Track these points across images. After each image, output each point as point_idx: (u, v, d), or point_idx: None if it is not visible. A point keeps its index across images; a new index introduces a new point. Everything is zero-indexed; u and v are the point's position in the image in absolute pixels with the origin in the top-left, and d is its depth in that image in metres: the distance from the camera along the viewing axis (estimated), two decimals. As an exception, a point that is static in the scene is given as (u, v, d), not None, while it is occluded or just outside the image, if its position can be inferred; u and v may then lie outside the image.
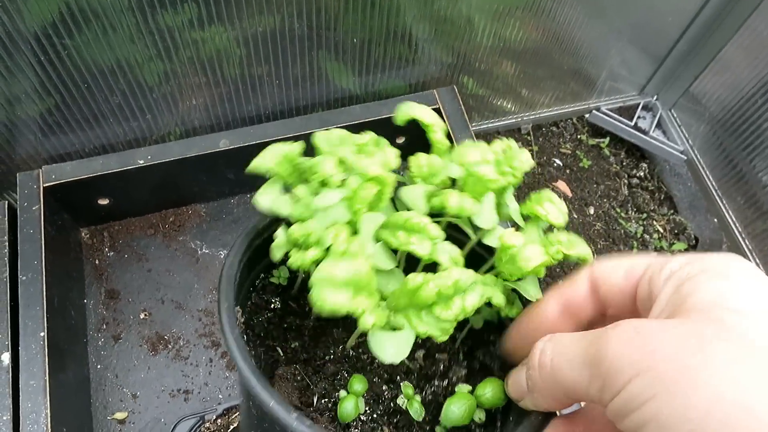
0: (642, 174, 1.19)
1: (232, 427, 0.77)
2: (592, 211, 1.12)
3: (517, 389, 0.39)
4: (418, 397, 0.49)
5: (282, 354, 0.50)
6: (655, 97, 1.23)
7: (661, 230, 1.13)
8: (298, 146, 0.48)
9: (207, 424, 0.77)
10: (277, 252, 0.45)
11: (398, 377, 0.52)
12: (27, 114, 0.87)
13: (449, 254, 0.43)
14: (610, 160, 1.19)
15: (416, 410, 0.47)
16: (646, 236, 1.12)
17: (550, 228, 0.47)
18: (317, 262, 0.41)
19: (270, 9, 0.84)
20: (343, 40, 0.93)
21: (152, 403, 0.89)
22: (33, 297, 0.81)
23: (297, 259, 0.43)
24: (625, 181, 1.18)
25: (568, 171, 1.17)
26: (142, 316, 0.96)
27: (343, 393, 0.47)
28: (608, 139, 1.21)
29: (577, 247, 0.45)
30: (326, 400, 0.47)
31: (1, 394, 0.76)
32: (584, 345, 0.31)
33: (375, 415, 0.48)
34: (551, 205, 0.47)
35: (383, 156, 0.48)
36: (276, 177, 0.48)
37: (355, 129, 0.97)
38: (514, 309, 0.46)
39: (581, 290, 0.38)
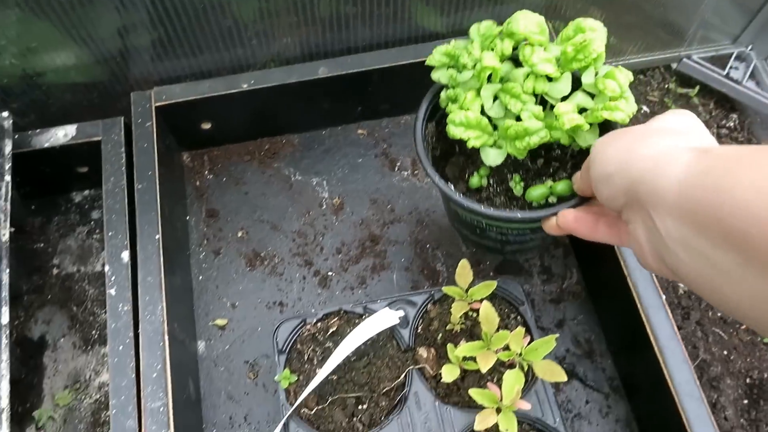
0: (732, 125, 1.17)
1: (331, 330, 0.81)
2: (679, 157, 1.12)
3: (575, 179, 0.65)
4: (522, 183, 0.75)
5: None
6: (749, 47, 1.20)
7: (750, 180, 1.11)
8: (453, 45, 0.73)
9: (308, 326, 0.82)
10: (442, 103, 0.74)
11: (520, 171, 0.77)
12: (140, 42, 0.92)
13: (531, 112, 0.67)
14: (699, 109, 1.18)
15: (518, 189, 0.75)
16: (734, 185, 1.11)
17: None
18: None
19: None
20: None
21: (250, 313, 0.95)
22: (148, 204, 0.87)
23: (449, 108, 0.71)
24: (714, 130, 1.16)
25: (655, 117, 1.16)
26: (239, 234, 1.01)
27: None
28: (697, 89, 1.19)
29: (617, 112, 0.63)
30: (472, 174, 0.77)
31: (122, 287, 0.82)
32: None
33: (497, 189, 0.77)
34: (611, 81, 0.64)
35: (501, 47, 0.69)
36: (440, 65, 0.74)
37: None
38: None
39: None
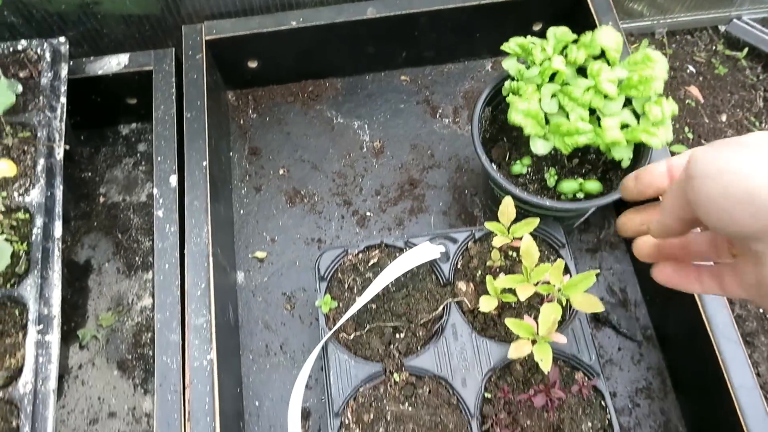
0: (780, 89, 1.15)
1: (372, 261, 0.83)
2: (724, 118, 1.10)
3: (626, 183, 0.58)
4: (556, 177, 0.84)
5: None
6: (802, 11, 1.17)
7: (794, 146, 1.10)
8: (529, 39, 0.79)
9: (349, 257, 0.83)
10: (504, 91, 0.81)
11: (556, 166, 0.85)
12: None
13: (579, 115, 0.75)
14: (747, 72, 1.16)
15: (551, 181, 0.83)
16: (779, 149, 1.09)
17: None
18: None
19: None
20: None
21: (289, 247, 0.97)
22: (196, 132, 0.89)
23: (510, 99, 0.78)
24: (761, 93, 1.14)
25: (701, 78, 1.14)
26: (281, 172, 1.02)
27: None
28: (746, 51, 1.17)
29: (654, 138, 0.72)
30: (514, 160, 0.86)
31: (169, 209, 0.84)
32: None
33: (533, 177, 0.85)
34: (657, 108, 0.73)
35: (572, 54, 0.77)
36: (513, 53, 0.80)
37: (498, 7, 0.98)
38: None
39: (660, 170, 0.54)
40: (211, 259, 0.81)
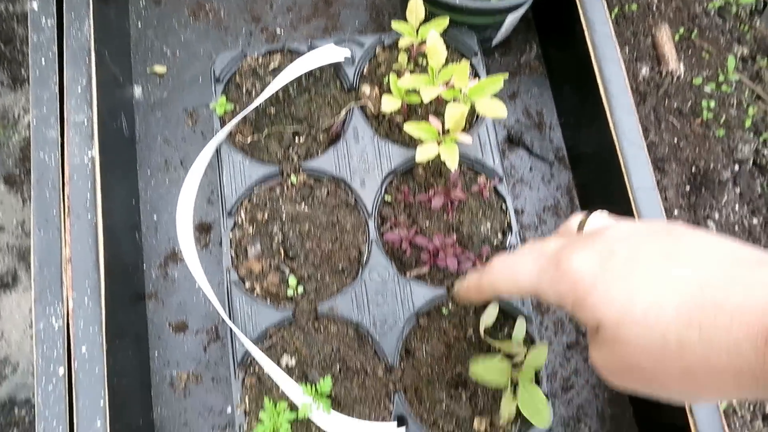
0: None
1: (273, 66, 0.77)
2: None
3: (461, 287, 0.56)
4: None
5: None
6: None
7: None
8: None
9: (249, 60, 0.77)
10: None
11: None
12: None
13: None
14: None
15: None
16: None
17: None
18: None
19: None
20: None
21: (191, 63, 0.90)
22: None
23: None
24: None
25: None
26: (184, -17, 0.94)
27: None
28: None
29: None
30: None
31: (45, 1, 0.76)
32: None
33: None
34: None
35: None
36: None
37: None
38: None
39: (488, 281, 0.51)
40: (93, 55, 0.74)
